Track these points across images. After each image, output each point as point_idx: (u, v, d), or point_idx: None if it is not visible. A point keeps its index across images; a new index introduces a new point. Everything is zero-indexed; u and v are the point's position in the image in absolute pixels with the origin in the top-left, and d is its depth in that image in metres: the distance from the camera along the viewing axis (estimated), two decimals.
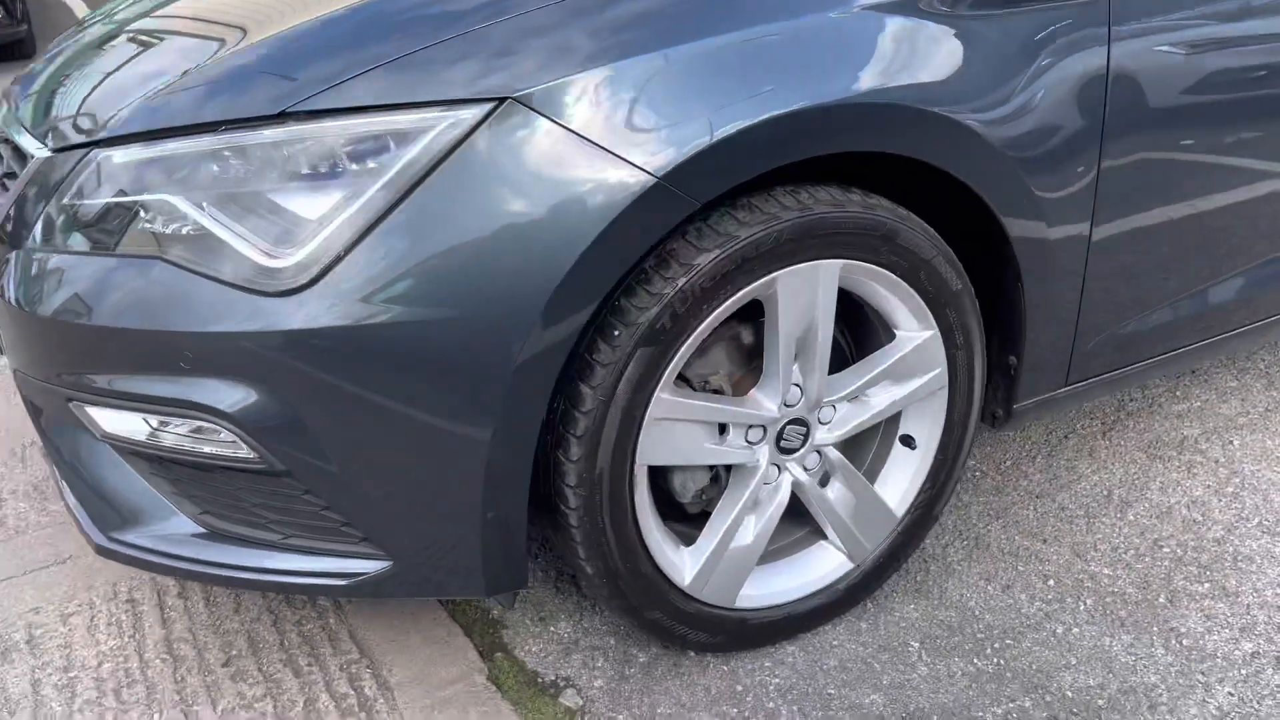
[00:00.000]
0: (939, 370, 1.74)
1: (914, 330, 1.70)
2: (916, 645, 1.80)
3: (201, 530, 1.58)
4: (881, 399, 1.74)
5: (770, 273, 1.51)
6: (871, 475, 1.84)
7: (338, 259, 1.33)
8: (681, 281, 1.45)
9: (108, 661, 1.83)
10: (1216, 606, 1.87)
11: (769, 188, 1.53)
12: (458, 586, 1.53)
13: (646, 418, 1.50)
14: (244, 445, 1.41)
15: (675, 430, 1.55)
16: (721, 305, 1.50)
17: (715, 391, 1.66)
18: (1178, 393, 2.60)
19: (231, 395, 1.39)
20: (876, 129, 1.51)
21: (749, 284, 1.50)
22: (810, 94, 1.42)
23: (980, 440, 2.41)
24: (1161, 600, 1.89)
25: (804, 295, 1.56)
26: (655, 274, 1.45)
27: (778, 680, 1.74)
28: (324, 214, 1.34)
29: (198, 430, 1.46)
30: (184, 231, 1.39)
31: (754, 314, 1.62)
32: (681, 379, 1.64)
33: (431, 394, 1.37)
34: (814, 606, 1.79)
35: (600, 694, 1.73)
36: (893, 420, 1.82)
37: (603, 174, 1.34)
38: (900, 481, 1.82)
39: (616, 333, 1.45)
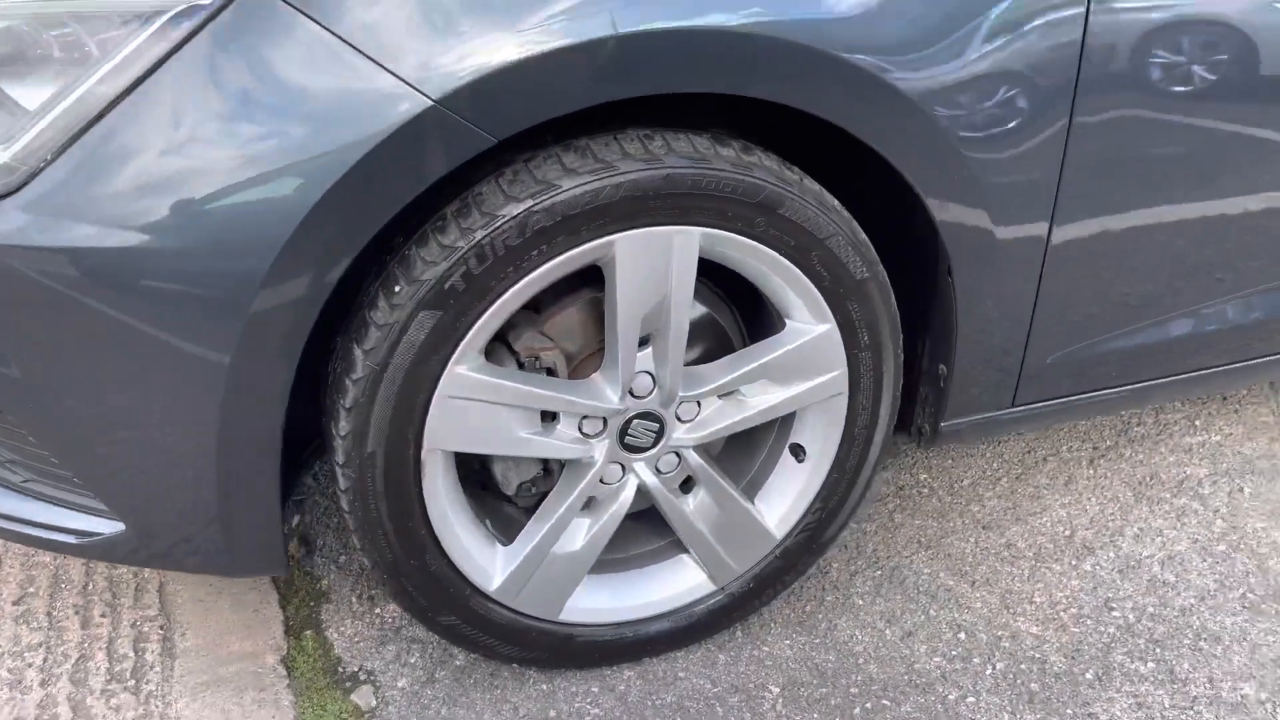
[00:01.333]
0: (836, 373, 1.44)
1: (806, 322, 1.40)
2: (776, 691, 1.53)
3: None
4: (762, 400, 1.45)
5: (604, 235, 1.23)
6: (755, 486, 1.55)
7: (47, 162, 1.10)
8: (480, 235, 1.18)
9: None
10: (1154, 694, 1.54)
11: (621, 128, 1.25)
12: (197, 563, 1.31)
13: (436, 395, 1.25)
14: None
15: (477, 413, 1.29)
16: (538, 269, 1.22)
17: (548, 371, 1.39)
18: (1197, 422, 2.22)
19: None
20: (716, 67, 1.18)
21: (575, 246, 1.22)
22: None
23: (941, 454, 2.09)
24: (1089, 676, 1.57)
25: (651, 267, 1.27)
26: (453, 223, 1.19)
27: (598, 711, 1.49)
28: (42, 105, 1.11)
29: None
30: None
31: None
32: (509, 350, 1.37)
33: (147, 335, 1.14)
34: (661, 630, 1.53)
35: (399, 696, 1.51)
36: (787, 423, 1.53)
37: (365, 90, 1.08)
38: (783, 498, 1.53)
39: (398, 288, 1.19)
